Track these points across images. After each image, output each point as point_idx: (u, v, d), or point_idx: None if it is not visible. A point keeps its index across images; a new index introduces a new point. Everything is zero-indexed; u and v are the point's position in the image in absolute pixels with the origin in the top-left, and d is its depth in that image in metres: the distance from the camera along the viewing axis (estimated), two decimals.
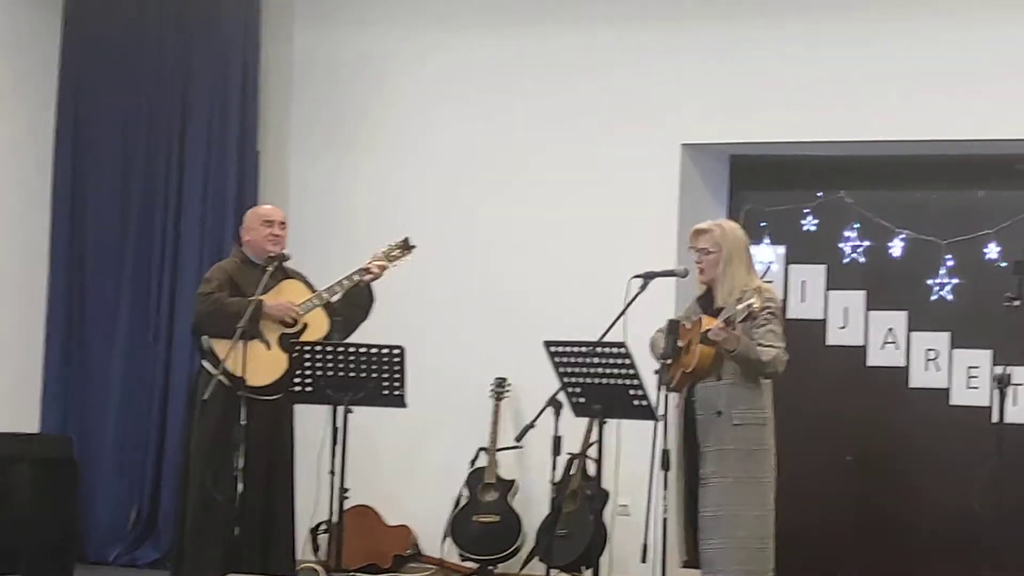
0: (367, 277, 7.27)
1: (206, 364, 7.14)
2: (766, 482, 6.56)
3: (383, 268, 7.30)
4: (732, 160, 8.77)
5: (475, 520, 8.33)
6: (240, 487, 6.87)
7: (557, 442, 6.84)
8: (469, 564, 8.40)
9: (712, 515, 6.49)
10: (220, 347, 7.07)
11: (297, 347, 6.93)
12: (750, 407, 6.51)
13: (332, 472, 6.80)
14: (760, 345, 6.46)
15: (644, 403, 6.44)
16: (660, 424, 6.38)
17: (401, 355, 6.84)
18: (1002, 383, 6.90)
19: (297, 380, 6.88)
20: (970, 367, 8.25)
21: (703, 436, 6.54)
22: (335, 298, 7.28)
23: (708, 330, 6.39)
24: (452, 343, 8.68)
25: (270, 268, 7.15)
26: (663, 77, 8.48)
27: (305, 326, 7.17)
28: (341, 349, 6.88)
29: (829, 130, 8.21)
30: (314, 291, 7.28)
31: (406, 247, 7.39)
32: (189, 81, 9.12)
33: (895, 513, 8.34)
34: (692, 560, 6.65)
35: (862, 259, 8.54)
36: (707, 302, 6.71)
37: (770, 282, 7.03)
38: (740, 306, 6.28)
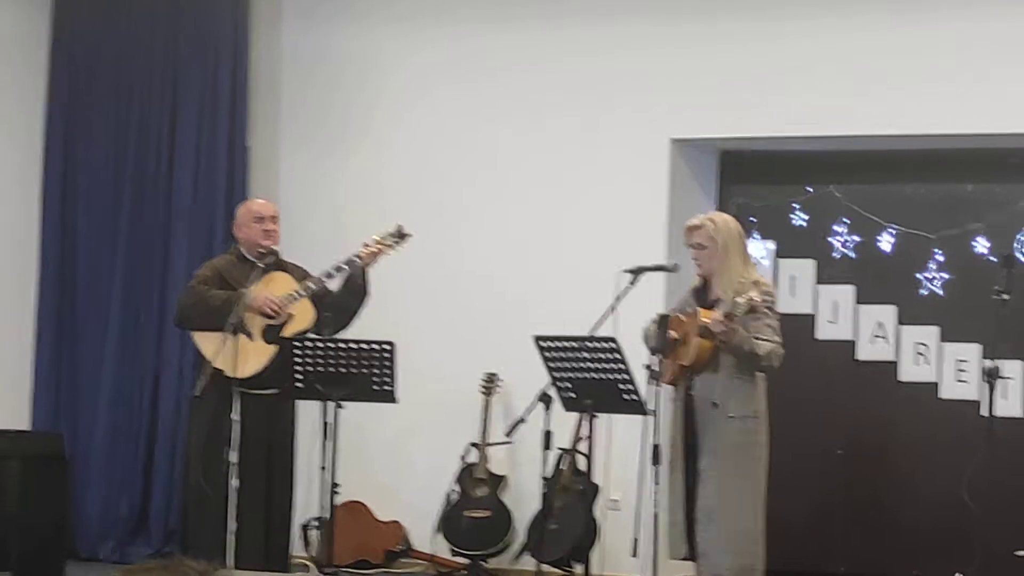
0: (357, 263, 7.16)
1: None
2: (760, 476, 6.59)
3: (374, 255, 7.18)
4: (721, 155, 8.77)
5: (466, 515, 8.33)
6: (235, 482, 6.87)
7: (548, 437, 6.84)
8: (460, 559, 8.40)
9: (709, 508, 6.50)
10: (202, 341, 7.06)
11: (287, 342, 6.92)
12: (744, 400, 6.53)
13: (323, 467, 6.82)
14: (756, 339, 6.47)
15: (634, 397, 6.47)
16: (651, 418, 6.40)
17: (391, 350, 6.84)
18: (991, 377, 6.91)
19: (297, 376, 6.86)
20: (959, 361, 8.26)
21: (701, 430, 6.55)
22: (332, 284, 7.22)
23: (706, 323, 6.40)
24: (442, 338, 8.66)
25: (261, 264, 7.13)
26: (652, 72, 8.47)
27: (290, 316, 7.14)
28: (332, 344, 6.87)
29: (818, 125, 8.21)
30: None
31: (399, 235, 7.24)
32: (178, 76, 9.10)
33: (885, 506, 8.35)
34: (684, 553, 6.67)
35: (852, 253, 8.53)
36: (702, 294, 6.72)
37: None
38: (740, 299, 6.28)
